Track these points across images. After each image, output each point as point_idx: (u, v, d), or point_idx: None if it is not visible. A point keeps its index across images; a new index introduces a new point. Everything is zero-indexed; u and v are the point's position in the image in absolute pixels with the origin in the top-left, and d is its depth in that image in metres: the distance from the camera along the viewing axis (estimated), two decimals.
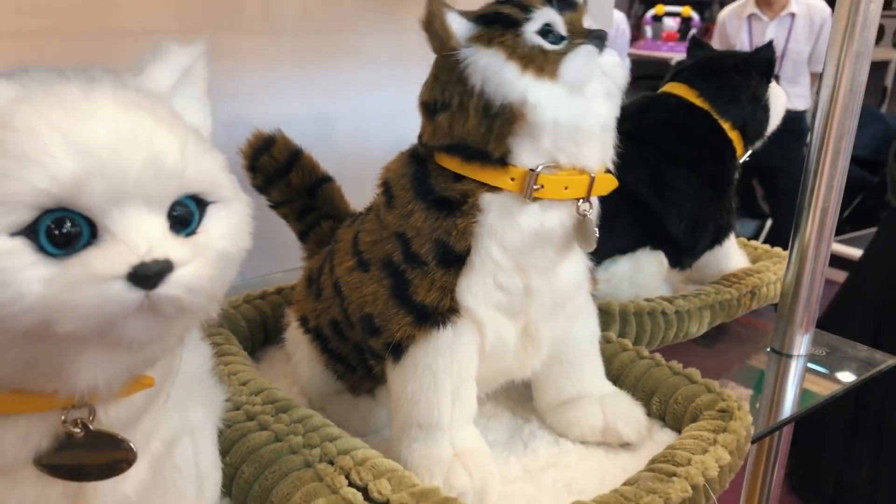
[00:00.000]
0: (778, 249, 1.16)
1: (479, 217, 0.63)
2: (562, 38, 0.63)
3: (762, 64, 1.05)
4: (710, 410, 0.72)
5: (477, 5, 0.66)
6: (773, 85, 1.06)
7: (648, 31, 4.84)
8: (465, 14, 0.64)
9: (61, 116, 0.36)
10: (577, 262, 0.70)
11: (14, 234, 0.34)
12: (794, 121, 3.02)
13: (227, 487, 0.62)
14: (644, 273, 1.00)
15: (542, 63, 0.62)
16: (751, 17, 3.24)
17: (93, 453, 0.43)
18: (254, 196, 0.82)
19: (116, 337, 0.37)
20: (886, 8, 4.65)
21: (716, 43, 3.28)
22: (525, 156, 0.63)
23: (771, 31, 3.17)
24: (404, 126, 0.72)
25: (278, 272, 0.96)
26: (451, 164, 0.64)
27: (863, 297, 1.96)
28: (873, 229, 2.23)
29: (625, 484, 0.63)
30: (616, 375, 0.80)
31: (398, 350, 0.66)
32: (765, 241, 1.23)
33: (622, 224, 0.97)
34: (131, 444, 0.44)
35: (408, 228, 0.65)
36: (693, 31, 4.78)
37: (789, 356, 0.96)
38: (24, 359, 0.37)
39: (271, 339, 0.89)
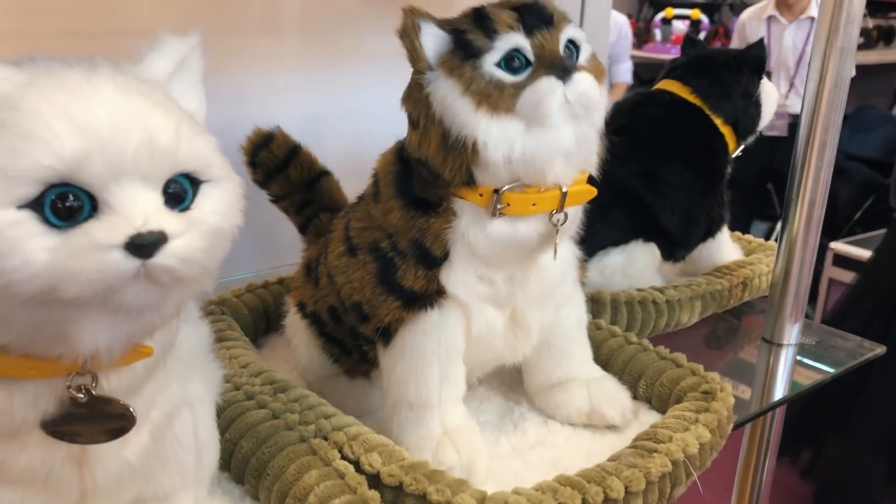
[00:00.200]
0: (771, 243, 1.18)
1: (454, 221, 0.65)
2: (528, 65, 0.61)
3: (753, 61, 1.07)
4: (693, 392, 0.75)
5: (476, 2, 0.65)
6: (764, 81, 1.08)
7: (658, 34, 4.85)
8: (443, 25, 0.63)
9: (65, 99, 0.39)
10: (563, 251, 0.72)
11: (21, 206, 0.38)
12: None
13: (227, 462, 0.65)
14: (637, 265, 1.02)
15: (497, 99, 0.60)
16: (770, 19, 3.21)
17: (95, 417, 0.46)
18: (256, 196, 0.85)
19: (116, 303, 0.40)
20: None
21: (735, 44, 3.26)
22: (488, 181, 0.63)
23: (790, 35, 3.16)
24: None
25: (282, 266, 1.00)
26: (427, 176, 0.65)
27: (872, 297, 1.97)
28: (883, 231, 2.25)
29: (608, 460, 0.65)
30: (605, 360, 0.82)
31: (387, 334, 0.69)
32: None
33: (615, 216, 0.99)
34: (131, 409, 0.47)
35: (388, 224, 0.68)
36: (703, 34, 4.80)
37: (780, 345, 0.99)
38: (31, 323, 0.40)
39: (273, 327, 0.92)
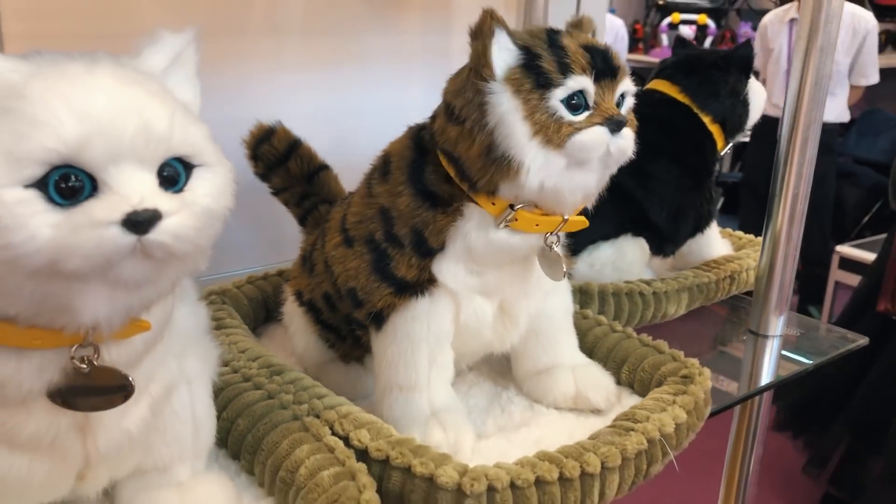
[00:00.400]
0: (759, 238, 1.20)
1: (459, 221, 0.69)
2: (585, 108, 0.64)
3: (741, 61, 1.10)
4: (673, 377, 0.78)
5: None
6: (752, 81, 1.11)
7: (665, 39, 4.88)
8: (515, 37, 0.65)
9: (68, 88, 0.43)
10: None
11: (27, 186, 0.41)
12: (824, 133, 2.97)
13: (224, 440, 0.69)
14: (626, 258, 1.05)
15: (553, 133, 0.63)
16: (792, 21, 3.18)
17: (96, 386, 0.50)
18: (257, 195, 0.88)
19: (115, 277, 0.44)
20: None
21: (757, 47, 3.23)
22: (509, 196, 0.67)
23: None
24: (404, 126, 0.77)
25: (285, 262, 1.03)
26: (448, 168, 0.69)
27: (876, 299, 1.99)
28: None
29: (588, 438, 0.68)
30: (590, 348, 0.85)
31: (379, 319, 0.72)
32: None
33: (604, 211, 1.01)
34: (130, 379, 0.51)
35: (393, 207, 0.71)
36: (710, 39, 4.82)
37: (765, 336, 1.01)
38: (36, 295, 0.44)
39: (272, 317, 0.95)
